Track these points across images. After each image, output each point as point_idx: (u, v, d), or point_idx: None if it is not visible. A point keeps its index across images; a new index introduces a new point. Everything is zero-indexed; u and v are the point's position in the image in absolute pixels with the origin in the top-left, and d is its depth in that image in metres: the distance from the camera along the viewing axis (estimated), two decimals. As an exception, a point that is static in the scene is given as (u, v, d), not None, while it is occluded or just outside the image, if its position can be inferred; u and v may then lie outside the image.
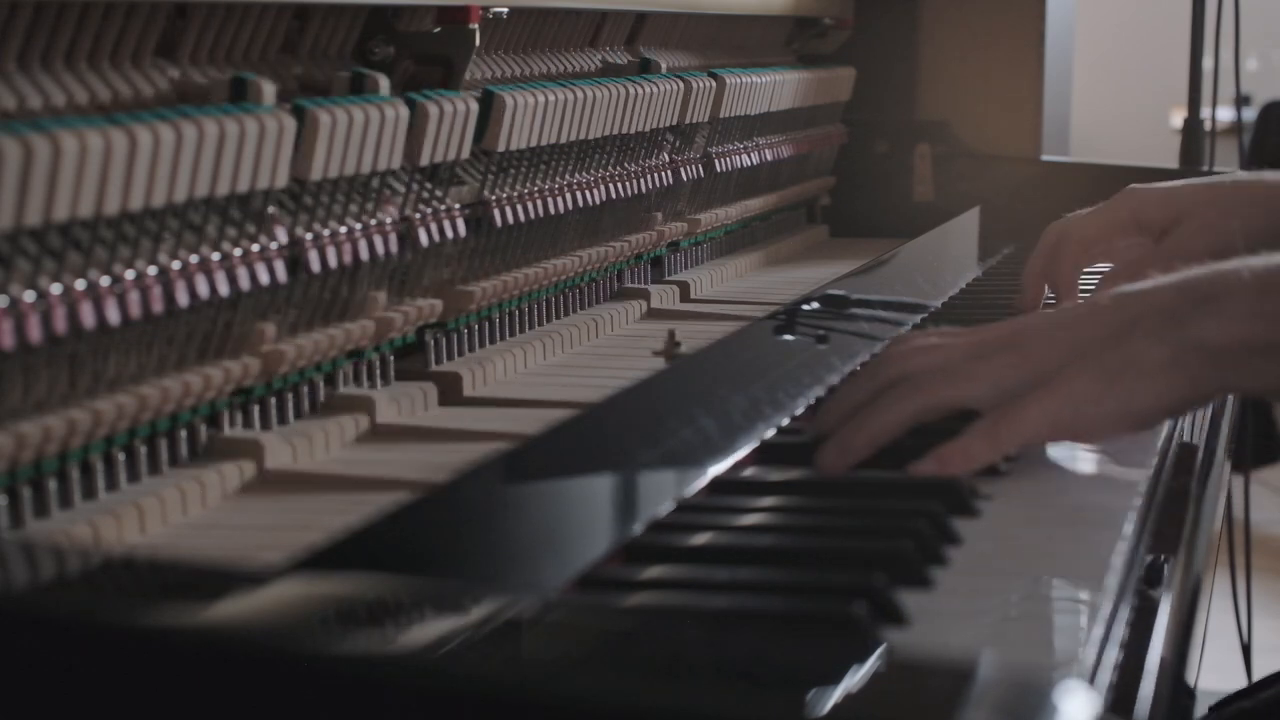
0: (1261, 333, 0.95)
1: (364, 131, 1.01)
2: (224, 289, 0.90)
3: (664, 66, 1.51)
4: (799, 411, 1.13)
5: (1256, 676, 2.32)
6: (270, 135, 0.93)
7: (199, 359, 0.92)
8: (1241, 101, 2.45)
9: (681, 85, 1.48)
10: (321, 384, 1.02)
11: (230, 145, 0.90)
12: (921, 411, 1.00)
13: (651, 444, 0.95)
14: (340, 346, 1.02)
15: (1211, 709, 1.32)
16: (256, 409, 0.96)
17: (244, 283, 0.92)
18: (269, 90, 0.96)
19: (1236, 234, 1.27)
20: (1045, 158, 2.03)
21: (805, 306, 1.25)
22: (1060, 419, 0.97)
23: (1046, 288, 1.45)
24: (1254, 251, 0.98)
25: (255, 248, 0.93)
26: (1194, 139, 2.18)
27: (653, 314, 1.43)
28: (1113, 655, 0.76)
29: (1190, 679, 0.86)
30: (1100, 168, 2.06)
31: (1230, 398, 1.27)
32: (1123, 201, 1.40)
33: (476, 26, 1.18)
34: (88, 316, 0.81)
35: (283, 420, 0.99)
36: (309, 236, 0.98)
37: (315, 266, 0.98)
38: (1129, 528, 0.92)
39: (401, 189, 1.08)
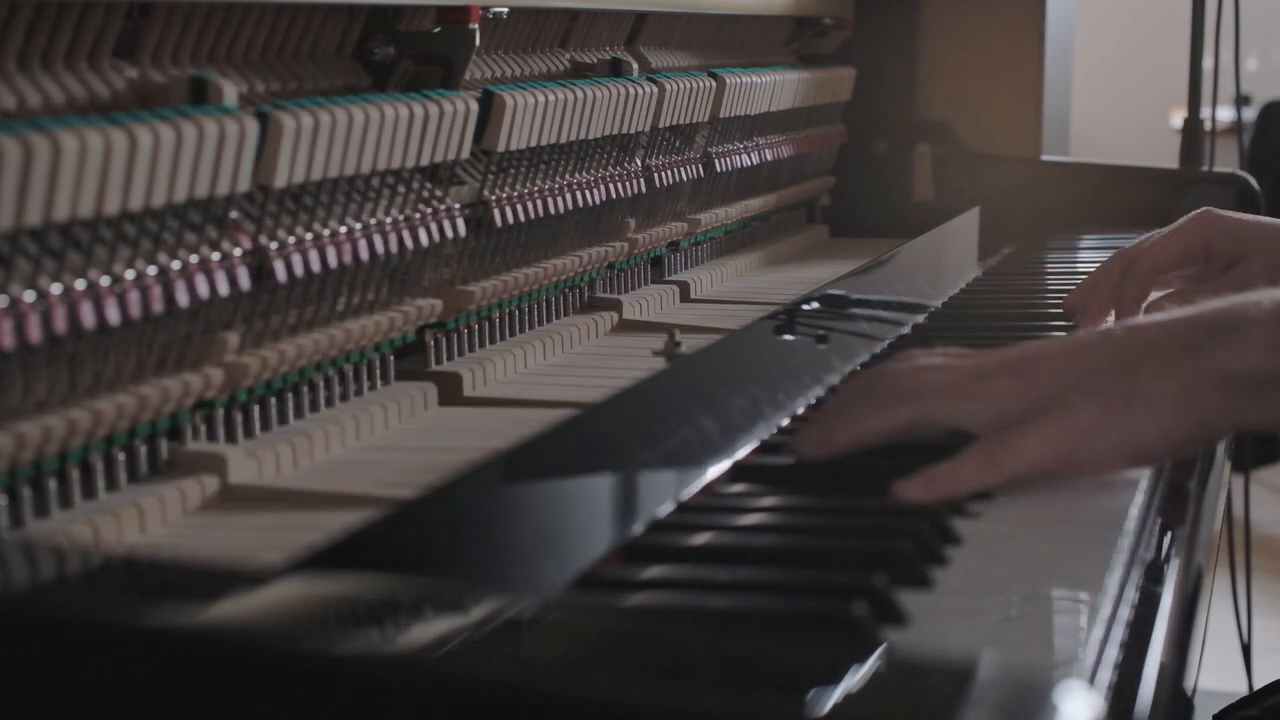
0: (1278, 364, 0.91)
1: (348, 133, 1.01)
2: (224, 289, 0.90)
3: (647, 65, 1.51)
4: (799, 412, 1.13)
5: (1257, 677, 2.33)
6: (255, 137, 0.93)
7: (199, 359, 0.92)
8: (1241, 101, 2.45)
9: (681, 85, 1.48)
10: (324, 383, 1.02)
11: (230, 145, 0.90)
12: (914, 422, 0.97)
13: (651, 444, 0.95)
14: (339, 347, 1.02)
15: (1215, 718, 1.31)
16: (257, 409, 0.97)
17: (243, 283, 0.92)
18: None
19: None
20: (1045, 158, 2.03)
21: (805, 306, 1.25)
22: (1060, 450, 0.94)
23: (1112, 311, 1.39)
24: None
25: (253, 248, 0.93)
26: (1194, 139, 2.18)
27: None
28: (1113, 655, 0.76)
29: (1191, 679, 0.86)
30: (1100, 168, 2.06)
31: None
32: (1197, 228, 1.35)
33: (476, 26, 1.18)
34: (88, 316, 0.81)
35: (281, 421, 0.99)
36: (309, 237, 0.98)
37: (315, 267, 0.98)
38: (1129, 528, 0.92)
39: (403, 190, 1.08)
